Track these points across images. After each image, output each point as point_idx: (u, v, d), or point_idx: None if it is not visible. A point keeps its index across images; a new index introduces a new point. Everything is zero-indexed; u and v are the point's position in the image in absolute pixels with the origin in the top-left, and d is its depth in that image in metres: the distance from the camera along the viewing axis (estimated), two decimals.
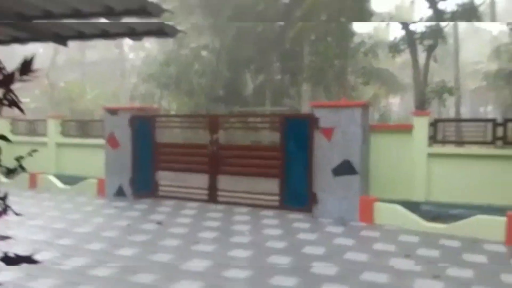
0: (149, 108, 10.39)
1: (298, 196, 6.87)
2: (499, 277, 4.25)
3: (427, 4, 12.42)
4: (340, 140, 6.56)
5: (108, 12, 3.79)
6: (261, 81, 18.91)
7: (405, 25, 12.96)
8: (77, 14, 3.85)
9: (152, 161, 7.98)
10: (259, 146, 8.17)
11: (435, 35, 12.84)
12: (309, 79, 15.16)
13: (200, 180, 7.67)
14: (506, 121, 7.25)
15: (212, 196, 7.49)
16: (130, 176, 8.08)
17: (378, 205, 6.39)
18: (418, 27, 12.94)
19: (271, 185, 7.14)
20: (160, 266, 4.55)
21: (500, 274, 4.30)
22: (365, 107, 6.93)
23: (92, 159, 9.91)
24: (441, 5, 12.13)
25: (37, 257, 4.63)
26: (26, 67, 1.70)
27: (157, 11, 3.89)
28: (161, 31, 4.03)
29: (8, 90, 1.65)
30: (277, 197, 7.02)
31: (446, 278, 4.21)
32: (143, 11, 3.73)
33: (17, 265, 1.87)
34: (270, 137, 8.20)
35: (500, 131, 7.00)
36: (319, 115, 6.71)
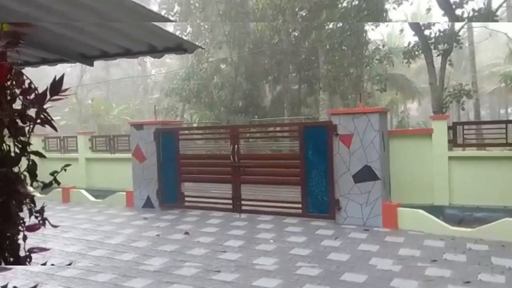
0: (172, 122, 10.70)
1: (320, 203, 6.94)
2: None
3: (441, 12, 12.31)
4: (359, 146, 6.63)
5: (152, 50, 4.13)
6: (278, 92, 19.11)
7: (418, 31, 12.89)
8: (128, 53, 4.22)
9: (177, 173, 8.21)
10: (279, 155, 8.25)
11: (449, 39, 12.76)
12: (326, 88, 15.26)
13: (224, 190, 7.83)
14: None
15: (236, 206, 7.63)
16: (157, 188, 8.34)
17: (401, 211, 6.40)
18: (432, 33, 12.89)
19: (293, 193, 7.21)
20: (190, 275, 4.67)
21: None
22: (382, 113, 6.99)
23: (120, 173, 10.25)
24: (457, 11, 11.97)
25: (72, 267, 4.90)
26: (56, 86, 1.72)
27: (192, 47, 4.22)
28: (180, 48, 4.26)
29: (41, 109, 1.71)
30: (299, 205, 7.10)
31: (477, 283, 4.19)
32: (180, 48, 4.04)
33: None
34: (289, 146, 8.28)
35: None
36: (337, 122, 6.80)
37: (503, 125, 7.25)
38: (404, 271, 4.56)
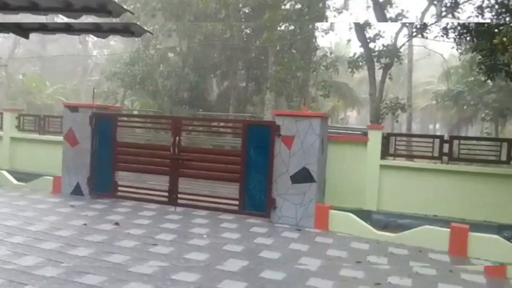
0: (111, 107, 10.21)
1: (257, 201, 7.00)
2: (437, 285, 4.52)
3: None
4: (300, 148, 6.78)
5: (67, 8, 3.67)
6: (226, 87, 19.05)
7: (364, 43, 13.89)
8: (34, 7, 3.72)
9: (111, 161, 7.84)
10: (221, 151, 8.20)
11: (391, 54, 13.75)
12: (273, 88, 15.51)
13: (161, 182, 7.61)
14: (452, 138, 7.84)
15: (172, 198, 7.47)
16: (88, 175, 7.91)
17: (332, 213, 6.65)
18: (376, 46, 14.02)
19: (231, 190, 7.20)
20: (113, 267, 4.49)
21: (438, 283, 4.59)
22: (324, 118, 7.22)
23: (48, 156, 9.60)
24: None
25: None
26: None
27: (118, 10, 3.77)
28: (127, 30, 3.99)
29: None
30: (236, 202, 7.12)
31: (387, 285, 4.45)
32: (102, 9, 3.63)
33: None
34: (232, 142, 8.27)
35: (446, 147, 7.55)
36: (280, 123, 6.91)
37: (431, 140, 7.86)
38: (323, 271, 4.73)
